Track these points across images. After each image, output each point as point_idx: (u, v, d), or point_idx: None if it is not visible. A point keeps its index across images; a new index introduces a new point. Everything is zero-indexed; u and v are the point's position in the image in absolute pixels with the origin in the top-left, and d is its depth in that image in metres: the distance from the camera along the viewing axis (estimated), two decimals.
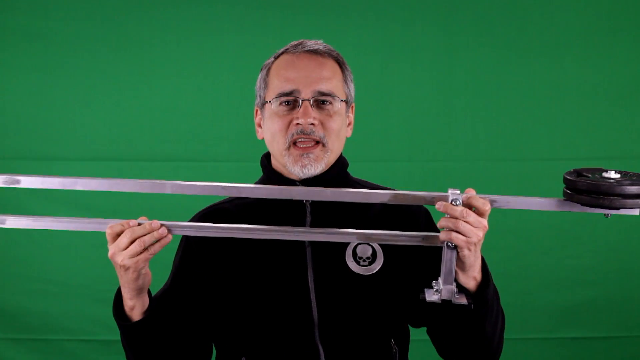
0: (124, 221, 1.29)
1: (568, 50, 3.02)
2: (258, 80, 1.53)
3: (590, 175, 1.25)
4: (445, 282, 1.27)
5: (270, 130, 1.47)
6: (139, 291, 1.36)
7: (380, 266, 1.45)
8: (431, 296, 1.27)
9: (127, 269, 1.31)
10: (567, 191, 1.27)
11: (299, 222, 1.46)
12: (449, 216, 1.25)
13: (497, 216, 2.99)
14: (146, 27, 2.98)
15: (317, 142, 1.44)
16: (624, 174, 1.24)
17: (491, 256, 3.21)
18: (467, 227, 1.24)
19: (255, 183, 1.57)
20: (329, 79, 1.46)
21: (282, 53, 1.51)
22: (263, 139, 1.53)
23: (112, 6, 2.97)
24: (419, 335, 1.67)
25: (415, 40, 3.01)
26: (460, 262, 1.28)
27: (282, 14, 2.99)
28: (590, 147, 3.03)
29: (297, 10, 3.00)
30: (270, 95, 1.47)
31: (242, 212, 1.51)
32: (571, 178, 1.26)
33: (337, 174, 1.51)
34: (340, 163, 1.53)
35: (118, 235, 1.29)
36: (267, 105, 1.48)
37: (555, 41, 3.02)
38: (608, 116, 3.03)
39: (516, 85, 3.03)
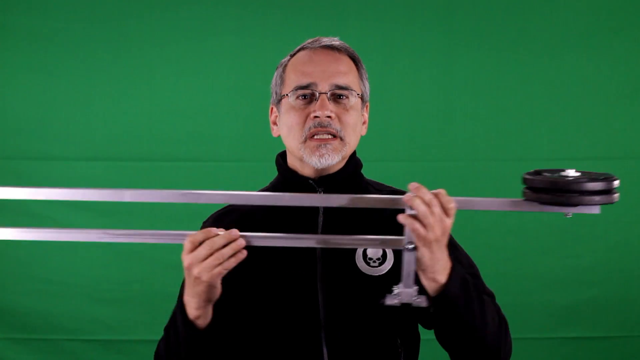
0: (205, 230, 1.25)
1: (568, 50, 3.02)
2: (274, 78, 1.54)
3: (549, 174, 1.24)
4: (405, 285, 1.24)
5: (287, 123, 1.48)
6: (206, 302, 1.32)
7: (390, 267, 1.45)
8: (392, 300, 1.24)
9: (201, 282, 1.26)
10: (526, 190, 1.25)
11: (311, 222, 1.46)
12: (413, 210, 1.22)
13: (497, 216, 3.02)
14: (146, 28, 2.98)
15: (334, 136, 1.45)
16: (583, 173, 1.23)
17: (491, 256, 3.23)
18: (430, 219, 1.21)
19: (271, 183, 1.57)
20: (346, 73, 1.48)
21: (298, 50, 1.51)
22: (279, 137, 1.53)
23: (113, 6, 2.97)
24: (430, 335, 1.67)
25: (415, 40, 3.01)
26: (418, 262, 1.25)
27: (282, 14, 2.99)
28: (590, 147, 3.02)
29: (297, 11, 3.00)
30: (287, 89, 1.48)
31: (255, 210, 1.50)
32: (530, 177, 1.24)
33: (352, 174, 1.52)
34: (355, 163, 1.54)
35: (198, 244, 1.25)
36: (283, 99, 1.49)
37: (555, 41, 3.02)
38: (608, 116, 3.03)
39: (516, 85, 3.03)
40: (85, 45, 2.97)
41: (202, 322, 1.34)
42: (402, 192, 1.55)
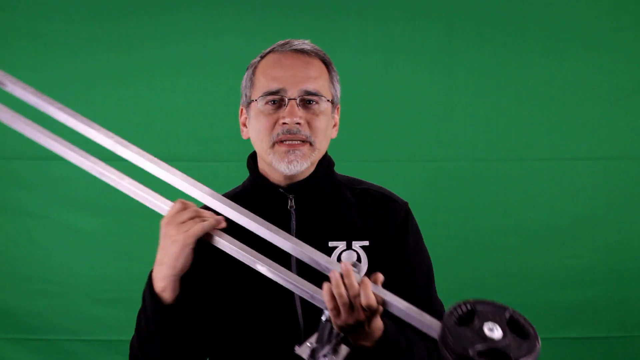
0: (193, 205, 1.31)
1: (568, 50, 3.02)
2: (244, 79, 1.53)
3: (471, 326, 1.09)
4: (317, 342, 1.22)
5: (256, 129, 1.47)
6: (174, 271, 1.33)
7: (364, 272, 1.45)
8: (302, 351, 1.22)
9: (175, 241, 1.30)
10: (441, 331, 1.10)
11: (285, 226, 1.44)
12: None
13: (498, 217, 3.02)
14: (146, 27, 2.98)
15: (304, 141, 1.44)
16: (505, 331, 1.09)
17: (491, 256, 3.23)
18: (344, 309, 1.19)
19: (243, 184, 1.58)
20: (316, 78, 1.46)
21: (269, 52, 1.50)
22: (249, 139, 1.53)
23: (113, 6, 2.97)
24: None
25: (415, 40, 3.01)
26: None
27: (282, 14, 3.00)
28: (590, 147, 3.03)
29: (297, 11, 3.00)
30: (256, 94, 1.47)
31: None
32: (447, 326, 1.08)
33: (324, 175, 1.51)
34: (326, 164, 1.52)
35: (183, 209, 1.30)
36: (252, 104, 1.48)
37: (555, 41, 3.02)
38: (608, 116, 3.03)
39: (516, 85, 3.03)
40: (85, 45, 2.97)
41: (169, 296, 1.34)
42: (371, 189, 1.54)
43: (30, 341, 2.99)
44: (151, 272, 1.36)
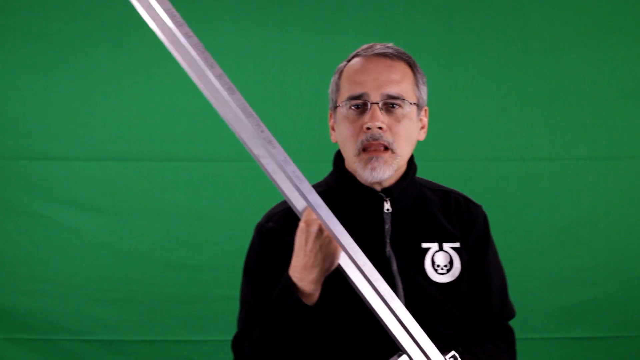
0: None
1: (568, 50, 3.02)
2: (331, 84, 1.54)
3: None
4: None
5: (342, 135, 1.49)
6: (326, 274, 1.33)
7: (457, 275, 1.48)
8: None
9: (329, 245, 1.31)
10: None
11: (378, 229, 1.47)
12: None
13: (498, 216, 3.00)
14: (146, 27, 2.96)
15: (386, 148, 1.45)
16: None
17: None
18: None
19: (327, 182, 1.56)
20: (399, 82, 1.48)
21: (354, 56, 1.52)
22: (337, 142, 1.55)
23: (112, 6, 2.96)
24: None
25: (415, 39, 3.01)
26: None
27: (282, 14, 2.99)
28: (590, 147, 3.03)
29: (298, 11, 3.00)
30: (341, 98, 1.49)
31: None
32: None
33: (412, 180, 1.54)
34: (414, 166, 1.55)
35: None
36: (338, 108, 1.50)
37: (555, 41, 3.02)
38: (608, 116, 3.03)
39: (516, 84, 3.03)
40: (85, 45, 2.97)
41: (314, 300, 1.35)
42: (452, 191, 1.61)
43: (30, 341, 2.99)
44: (288, 277, 1.35)
